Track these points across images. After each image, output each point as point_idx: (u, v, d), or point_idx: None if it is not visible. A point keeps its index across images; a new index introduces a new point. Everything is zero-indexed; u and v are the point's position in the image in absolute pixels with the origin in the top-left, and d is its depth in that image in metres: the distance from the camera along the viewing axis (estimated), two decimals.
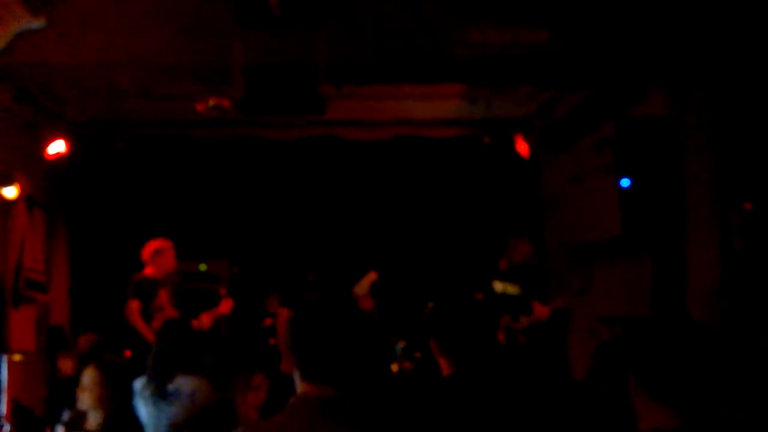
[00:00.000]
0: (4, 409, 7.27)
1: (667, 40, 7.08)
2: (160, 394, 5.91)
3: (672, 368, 2.51)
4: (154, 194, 11.01)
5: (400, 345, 8.86)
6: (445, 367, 3.48)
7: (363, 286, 8.97)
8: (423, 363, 8.69)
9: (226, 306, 9.03)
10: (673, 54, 7.14)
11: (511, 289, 8.64)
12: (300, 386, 2.78)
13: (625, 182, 7.45)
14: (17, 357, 7.76)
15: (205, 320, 8.69)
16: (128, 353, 8.64)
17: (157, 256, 8.75)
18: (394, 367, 8.71)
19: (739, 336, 6.43)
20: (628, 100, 7.95)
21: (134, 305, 8.49)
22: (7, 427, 6.64)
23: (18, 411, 7.25)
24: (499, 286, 8.69)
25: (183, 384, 5.91)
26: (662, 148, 7.36)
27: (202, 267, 10.76)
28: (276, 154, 11.01)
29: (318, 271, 9.68)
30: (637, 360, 2.58)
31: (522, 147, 10.39)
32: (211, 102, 8.48)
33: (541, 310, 8.25)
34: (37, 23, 6.95)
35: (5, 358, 7.53)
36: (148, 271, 8.70)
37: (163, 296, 8.68)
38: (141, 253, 8.78)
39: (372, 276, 9.10)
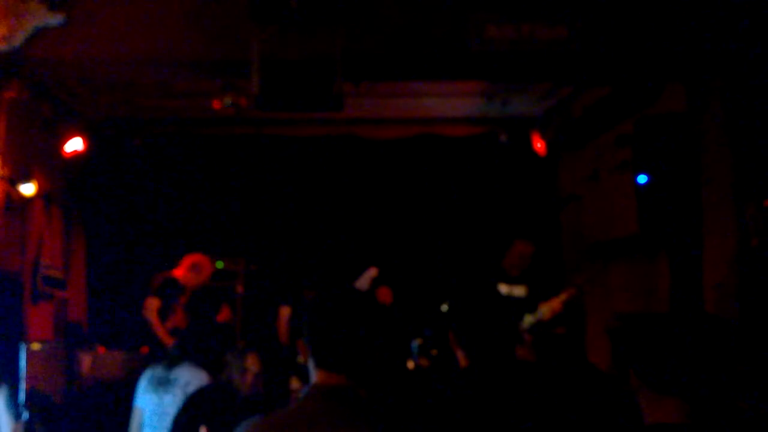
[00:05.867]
0: (23, 397, 7.30)
1: (686, 36, 7.06)
2: (161, 381, 6.07)
3: (669, 359, 2.48)
4: (172, 192, 11.02)
5: (417, 342, 8.84)
6: (462, 358, 3.48)
7: (363, 282, 8.99)
8: (439, 360, 8.67)
9: (224, 315, 9.06)
10: (692, 51, 7.12)
11: (517, 291, 8.59)
12: (314, 375, 2.78)
13: (642, 179, 7.43)
14: (36, 346, 7.80)
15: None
16: (145, 350, 8.68)
17: (194, 269, 8.82)
18: (410, 364, 8.71)
19: (756, 332, 6.40)
20: (646, 97, 7.93)
21: (153, 303, 8.54)
22: (26, 415, 6.67)
23: (37, 399, 7.28)
24: (504, 289, 8.63)
25: (180, 374, 6.06)
26: (681, 145, 7.34)
27: (219, 265, 10.76)
28: (294, 153, 11.02)
29: (320, 270, 9.71)
30: (634, 354, 2.56)
31: (539, 145, 10.37)
32: (228, 99, 8.50)
33: (552, 304, 8.15)
34: (55, 19, 6.98)
35: (24, 348, 7.56)
36: (179, 274, 8.74)
37: (181, 301, 8.72)
38: (182, 258, 8.85)
39: (372, 272, 9.11)
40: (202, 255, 8.96)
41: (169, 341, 8.37)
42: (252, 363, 5.97)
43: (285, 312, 9.26)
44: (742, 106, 7.01)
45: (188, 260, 8.85)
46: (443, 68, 7.49)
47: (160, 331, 8.48)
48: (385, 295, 9.40)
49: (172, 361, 6.25)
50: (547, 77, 8.39)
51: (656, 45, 7.08)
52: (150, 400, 6.13)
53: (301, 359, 7.76)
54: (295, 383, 6.20)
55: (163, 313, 8.58)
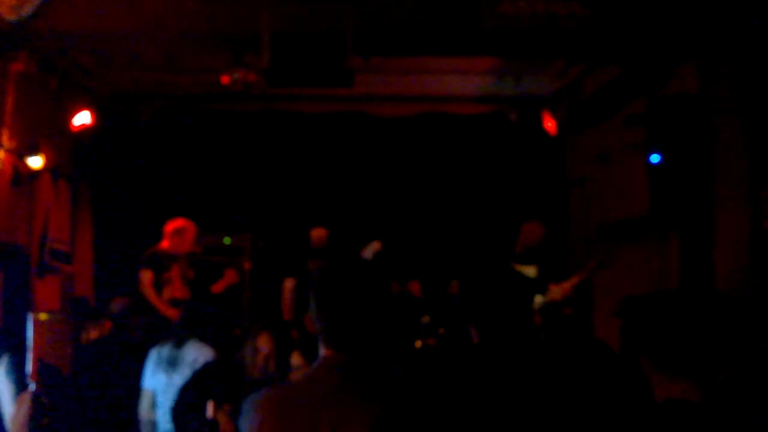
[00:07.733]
0: (30, 368, 7.29)
1: (699, 15, 6.98)
2: (169, 361, 6.05)
3: (680, 339, 2.44)
4: (179, 167, 11.00)
5: (424, 321, 8.81)
6: (475, 335, 3.43)
7: (367, 254, 8.95)
8: (446, 339, 8.64)
9: (230, 276, 9.04)
10: (706, 30, 7.04)
11: (528, 271, 8.53)
12: (323, 350, 2.74)
13: (654, 158, 7.36)
14: (44, 316, 7.78)
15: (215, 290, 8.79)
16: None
17: (177, 235, 8.79)
18: (417, 343, 8.68)
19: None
20: (659, 77, 7.86)
21: (147, 276, 8.51)
22: (32, 386, 6.64)
23: (44, 370, 7.26)
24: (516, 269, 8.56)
25: (188, 351, 6.04)
26: (693, 126, 7.26)
27: (227, 240, 10.74)
28: (302, 129, 10.99)
29: (328, 237, 9.73)
30: (645, 336, 2.52)
31: (549, 124, 10.30)
32: (236, 75, 8.44)
33: (563, 287, 8.15)
34: None
35: (31, 318, 7.53)
36: (165, 245, 8.73)
37: (175, 270, 8.68)
38: (163, 227, 8.82)
39: (376, 245, 9.08)
40: (183, 219, 8.92)
41: (169, 312, 8.35)
42: (264, 343, 5.94)
43: (289, 284, 9.23)
44: (756, 87, 6.94)
45: (170, 227, 8.82)
46: (456, 44, 7.42)
47: (159, 303, 8.45)
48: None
49: (179, 340, 6.23)
50: (560, 54, 8.32)
51: (670, 23, 7.02)
52: (159, 380, 6.11)
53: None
54: (296, 359, 6.17)
55: (158, 285, 8.56)
